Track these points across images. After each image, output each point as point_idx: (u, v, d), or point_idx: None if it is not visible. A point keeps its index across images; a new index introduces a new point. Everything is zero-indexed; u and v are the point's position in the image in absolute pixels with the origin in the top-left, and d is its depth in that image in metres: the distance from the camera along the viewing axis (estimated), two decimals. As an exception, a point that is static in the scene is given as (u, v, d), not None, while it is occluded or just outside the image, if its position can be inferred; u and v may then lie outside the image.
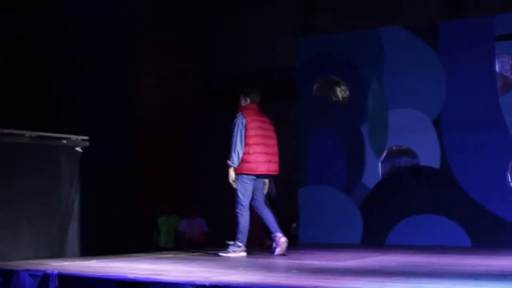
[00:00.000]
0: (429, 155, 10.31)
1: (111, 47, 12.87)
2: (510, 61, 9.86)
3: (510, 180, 9.73)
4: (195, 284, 5.35)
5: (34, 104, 13.50)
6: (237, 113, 8.50)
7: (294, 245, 10.55)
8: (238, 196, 8.34)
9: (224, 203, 13.02)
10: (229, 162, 8.30)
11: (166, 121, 13.12)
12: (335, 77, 11.00)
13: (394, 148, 10.44)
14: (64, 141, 8.63)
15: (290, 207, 11.64)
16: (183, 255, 8.61)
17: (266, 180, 8.68)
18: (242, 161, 8.32)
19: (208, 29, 13.96)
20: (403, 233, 10.29)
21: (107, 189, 12.10)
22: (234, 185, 8.38)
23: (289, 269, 6.53)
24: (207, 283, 5.32)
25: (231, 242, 8.28)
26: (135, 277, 5.79)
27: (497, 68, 9.96)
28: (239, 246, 8.27)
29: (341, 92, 10.95)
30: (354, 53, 10.88)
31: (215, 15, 14.08)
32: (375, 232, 10.50)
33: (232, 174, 8.34)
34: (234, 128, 8.35)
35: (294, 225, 11.51)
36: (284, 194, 12.18)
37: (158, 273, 6.16)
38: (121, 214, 12.22)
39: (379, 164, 10.59)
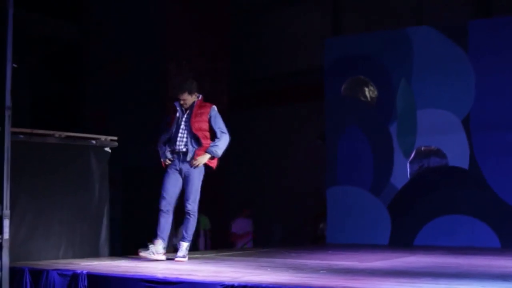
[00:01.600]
0: (458, 155, 10.28)
1: (139, 47, 12.93)
2: None
3: None
4: (224, 284, 5.35)
5: (63, 104, 13.60)
6: (209, 104, 7.81)
7: (322, 246, 10.59)
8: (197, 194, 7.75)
9: (254, 206, 13.12)
10: (219, 152, 7.67)
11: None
12: (363, 77, 10.98)
13: (423, 148, 10.41)
14: (93, 141, 8.66)
15: (318, 208, 11.64)
16: (212, 255, 8.59)
17: None
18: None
19: (238, 30, 14.02)
20: (431, 234, 10.26)
21: (135, 189, 12.14)
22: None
23: (317, 270, 6.51)
24: (236, 283, 5.32)
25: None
26: (164, 277, 5.80)
27: None
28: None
29: (369, 92, 10.93)
30: (382, 53, 10.85)
31: (245, 15, 14.12)
32: (404, 232, 10.48)
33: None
34: (221, 119, 7.77)
35: (321, 225, 11.51)
36: (311, 194, 12.20)
37: (187, 273, 6.17)
38: (149, 214, 12.25)
39: (408, 164, 10.58)
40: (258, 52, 13.94)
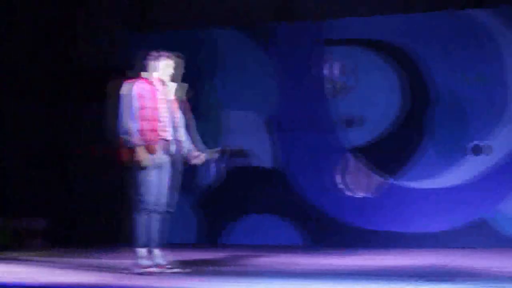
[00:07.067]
0: (261, 155, 10.40)
1: None
2: (338, 65, 10.16)
3: (339, 181, 10.00)
4: (23, 285, 5.29)
5: None
6: None
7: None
8: None
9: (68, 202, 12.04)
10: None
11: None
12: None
13: (227, 148, 10.18)
14: None
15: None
16: (7, 255, 8.45)
17: None
18: None
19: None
20: (237, 233, 10.36)
21: None
22: None
23: (119, 269, 6.57)
24: (26, 284, 5.29)
25: None
26: None
27: (326, 71, 10.18)
28: None
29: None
30: (188, 52, 9.50)
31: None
32: (209, 232, 10.52)
33: None
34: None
35: None
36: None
37: None
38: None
39: (213, 164, 10.36)
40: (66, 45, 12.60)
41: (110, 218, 11.34)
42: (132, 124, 6.32)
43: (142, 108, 6.39)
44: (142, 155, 6.29)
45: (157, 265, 6.37)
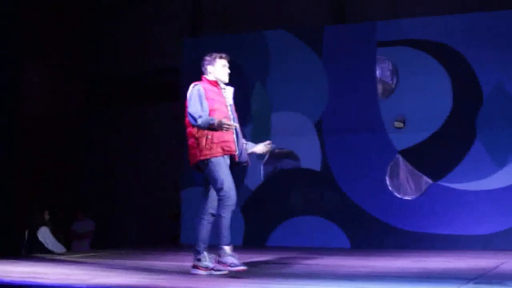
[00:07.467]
0: (310, 157, 10.38)
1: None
2: (390, 67, 10.15)
3: (388, 183, 9.99)
4: (73, 287, 5.28)
5: None
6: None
7: (176, 246, 10.48)
8: None
9: (111, 204, 12.83)
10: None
11: (49, 120, 12.53)
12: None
13: (276, 150, 10.05)
14: None
15: (176, 208, 11.47)
16: (63, 257, 8.44)
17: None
18: None
19: (94, 27, 13.64)
20: (284, 235, 10.34)
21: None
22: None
23: (167, 271, 6.54)
24: (84, 286, 5.27)
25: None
26: (10, 280, 5.59)
27: (378, 73, 10.17)
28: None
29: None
30: (239, 55, 10.38)
31: (104, 12, 13.72)
32: (257, 233, 10.50)
33: None
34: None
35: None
36: (170, 194, 11.90)
37: (36, 276, 6.01)
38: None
39: (261, 166, 10.54)
40: (117, 50, 13.54)
41: (154, 221, 12.06)
42: (203, 110, 6.23)
43: (212, 110, 6.32)
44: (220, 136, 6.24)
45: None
